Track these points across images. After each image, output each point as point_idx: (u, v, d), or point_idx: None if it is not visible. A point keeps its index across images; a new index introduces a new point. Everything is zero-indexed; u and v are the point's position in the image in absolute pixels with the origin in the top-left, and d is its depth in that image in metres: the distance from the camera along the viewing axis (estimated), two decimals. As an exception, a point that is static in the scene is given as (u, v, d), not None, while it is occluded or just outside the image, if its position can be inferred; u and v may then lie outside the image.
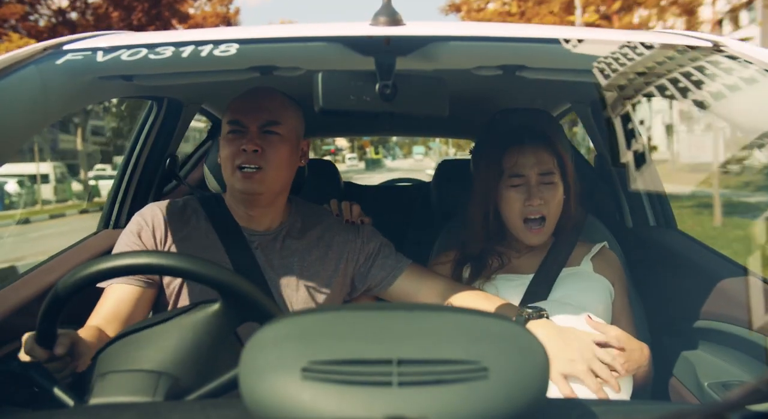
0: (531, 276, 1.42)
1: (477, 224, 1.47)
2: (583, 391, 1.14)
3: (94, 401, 0.80)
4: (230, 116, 1.33)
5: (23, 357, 0.92)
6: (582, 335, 1.18)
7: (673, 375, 1.43)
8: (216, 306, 0.89)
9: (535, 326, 1.18)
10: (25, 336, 0.92)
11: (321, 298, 1.34)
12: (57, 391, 0.86)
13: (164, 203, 1.39)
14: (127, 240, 1.33)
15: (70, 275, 0.85)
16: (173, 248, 1.31)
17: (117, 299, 1.24)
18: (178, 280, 1.29)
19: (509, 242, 1.50)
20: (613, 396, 1.15)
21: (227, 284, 0.86)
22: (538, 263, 1.45)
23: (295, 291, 1.32)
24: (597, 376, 1.14)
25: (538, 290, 1.39)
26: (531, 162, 1.41)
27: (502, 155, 1.43)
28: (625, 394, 1.20)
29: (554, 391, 1.13)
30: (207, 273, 0.87)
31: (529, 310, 1.22)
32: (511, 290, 1.40)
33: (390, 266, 1.40)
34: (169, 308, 1.30)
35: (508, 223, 1.45)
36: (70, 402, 0.85)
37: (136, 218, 1.36)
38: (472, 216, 1.48)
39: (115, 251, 1.33)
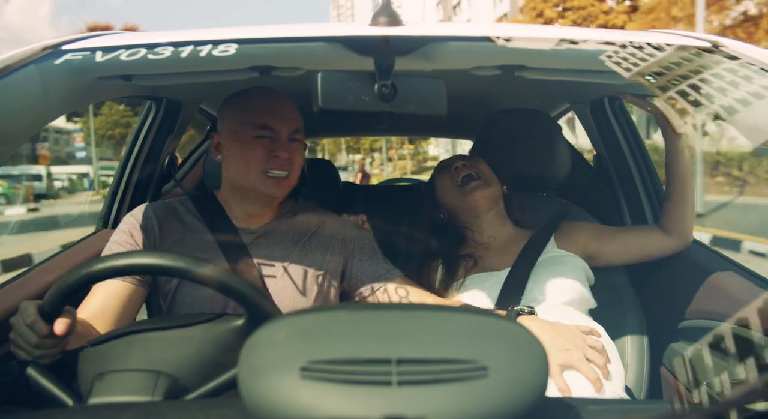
0: (504, 273, 1.43)
1: (430, 230, 1.60)
2: (579, 382, 1.15)
3: (93, 401, 0.80)
4: (258, 119, 1.31)
5: (18, 324, 0.90)
6: (571, 326, 1.22)
7: (671, 373, 1.44)
8: (240, 322, 0.89)
9: (526, 320, 1.20)
10: (27, 306, 0.90)
11: (314, 292, 1.34)
12: (56, 391, 0.86)
13: (157, 204, 1.38)
14: (119, 239, 1.32)
15: (114, 258, 0.86)
16: (169, 250, 1.30)
17: (107, 295, 1.22)
18: (174, 283, 1.28)
19: (473, 240, 1.54)
20: (606, 383, 1.16)
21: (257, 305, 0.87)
22: (511, 260, 1.46)
23: (290, 287, 1.32)
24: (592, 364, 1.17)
25: (514, 285, 1.40)
26: (455, 159, 1.63)
27: (433, 182, 1.66)
28: (619, 386, 1.21)
29: (551, 384, 1.14)
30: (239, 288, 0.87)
31: (519, 306, 1.25)
32: (486, 288, 1.41)
33: (380, 274, 1.39)
34: (164, 310, 1.30)
35: (449, 200, 1.59)
36: (69, 401, 0.85)
37: (128, 218, 1.35)
38: (426, 225, 1.62)
39: (106, 250, 1.32)
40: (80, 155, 23.23)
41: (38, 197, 19.51)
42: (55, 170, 23.86)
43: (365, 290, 1.39)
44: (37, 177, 21.53)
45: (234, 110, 1.35)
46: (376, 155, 41.67)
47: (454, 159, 1.62)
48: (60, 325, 0.88)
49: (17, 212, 16.44)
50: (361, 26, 1.15)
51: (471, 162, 1.59)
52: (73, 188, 23.79)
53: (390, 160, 37.88)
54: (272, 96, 1.35)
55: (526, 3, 21.66)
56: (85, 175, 23.13)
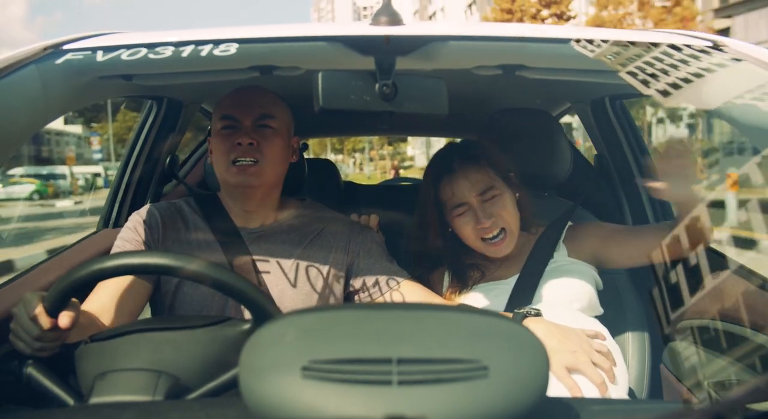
0: (512, 282, 1.40)
1: (436, 247, 1.47)
2: (584, 385, 1.15)
3: (94, 400, 0.80)
4: (222, 112, 1.33)
5: (20, 315, 0.89)
6: (577, 330, 1.21)
7: (672, 373, 1.44)
8: (247, 326, 0.89)
9: (533, 322, 1.19)
10: (32, 297, 0.89)
11: (316, 293, 1.34)
12: (57, 390, 0.86)
13: (161, 204, 1.40)
14: (125, 236, 1.34)
15: (127, 256, 0.88)
16: (170, 249, 1.31)
17: (115, 289, 1.23)
18: (175, 281, 1.29)
19: (481, 254, 1.47)
20: (611, 387, 1.16)
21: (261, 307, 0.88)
22: (518, 267, 1.43)
23: (292, 288, 1.32)
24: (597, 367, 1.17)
25: (522, 294, 1.37)
26: (466, 188, 1.40)
27: (438, 189, 1.42)
28: (623, 390, 1.20)
29: (556, 386, 1.14)
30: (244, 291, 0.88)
31: (526, 308, 1.24)
32: (493, 298, 1.38)
33: (387, 277, 1.37)
34: (166, 307, 1.30)
35: (470, 245, 1.44)
36: (70, 400, 0.85)
37: (134, 216, 1.38)
38: (429, 241, 1.47)
39: (114, 248, 1.34)
40: (97, 156, 26.33)
41: (68, 193, 23.12)
42: (65, 170, 26.36)
43: (372, 292, 1.38)
44: (62, 176, 24.68)
45: (214, 112, 1.38)
46: (357, 155, 43.93)
47: (475, 201, 1.39)
48: (65, 318, 0.88)
49: (66, 204, 19.53)
50: (362, 26, 1.15)
51: (496, 209, 1.39)
52: (90, 186, 26.54)
53: (371, 160, 40.48)
54: (241, 89, 1.36)
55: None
56: (97, 174, 25.54)
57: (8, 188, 20.96)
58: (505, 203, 1.41)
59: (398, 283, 1.36)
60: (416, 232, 1.49)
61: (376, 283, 1.37)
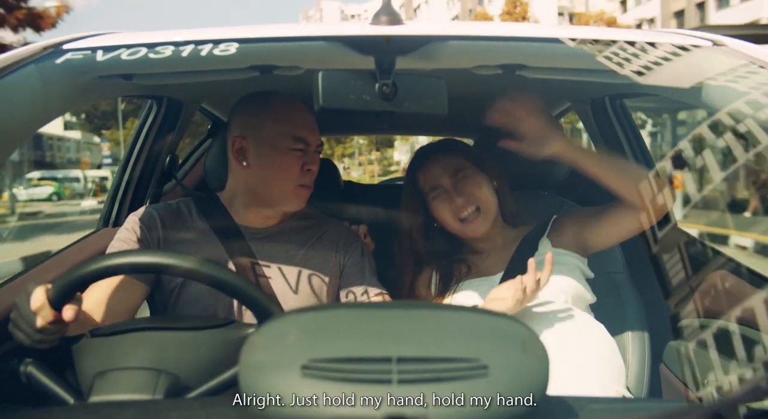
0: (498, 277, 1.40)
1: (422, 244, 1.50)
2: (579, 382, 1.15)
3: (93, 398, 0.80)
4: (296, 133, 1.32)
5: (23, 306, 0.89)
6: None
7: (672, 372, 1.44)
8: (252, 330, 0.90)
9: (488, 301, 1.25)
10: (36, 289, 0.89)
11: (314, 297, 1.34)
12: (57, 389, 0.86)
13: (159, 206, 1.40)
14: (123, 237, 1.33)
15: (133, 254, 0.90)
16: (172, 249, 1.31)
17: (111, 288, 1.22)
18: (179, 280, 1.28)
19: (466, 247, 1.50)
20: (609, 382, 1.18)
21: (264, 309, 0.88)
22: (505, 263, 1.43)
23: (293, 286, 1.33)
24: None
25: None
26: (438, 171, 1.47)
27: (416, 179, 1.51)
28: (621, 384, 1.20)
29: (557, 385, 1.14)
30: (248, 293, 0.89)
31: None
32: (480, 294, 1.38)
33: (362, 290, 1.38)
34: (169, 306, 1.30)
35: (450, 229, 1.48)
36: (70, 399, 0.85)
37: (132, 218, 1.36)
38: (415, 237, 1.50)
39: (110, 249, 1.33)
40: (106, 161, 27.98)
41: (80, 195, 24.73)
42: (78, 173, 27.94)
43: (347, 298, 1.39)
44: (76, 179, 26.41)
45: (265, 118, 1.33)
46: (347, 160, 46.74)
47: (447, 183, 1.45)
48: (69, 311, 0.88)
49: (90, 203, 21.18)
50: (362, 25, 1.15)
51: (468, 188, 1.44)
52: (101, 188, 27.49)
53: (360, 165, 42.85)
54: (302, 107, 1.37)
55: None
56: (104, 178, 27.00)
57: (29, 190, 22.42)
58: (479, 183, 1.46)
59: (370, 297, 1.37)
60: (403, 228, 1.52)
61: (352, 293, 1.38)
